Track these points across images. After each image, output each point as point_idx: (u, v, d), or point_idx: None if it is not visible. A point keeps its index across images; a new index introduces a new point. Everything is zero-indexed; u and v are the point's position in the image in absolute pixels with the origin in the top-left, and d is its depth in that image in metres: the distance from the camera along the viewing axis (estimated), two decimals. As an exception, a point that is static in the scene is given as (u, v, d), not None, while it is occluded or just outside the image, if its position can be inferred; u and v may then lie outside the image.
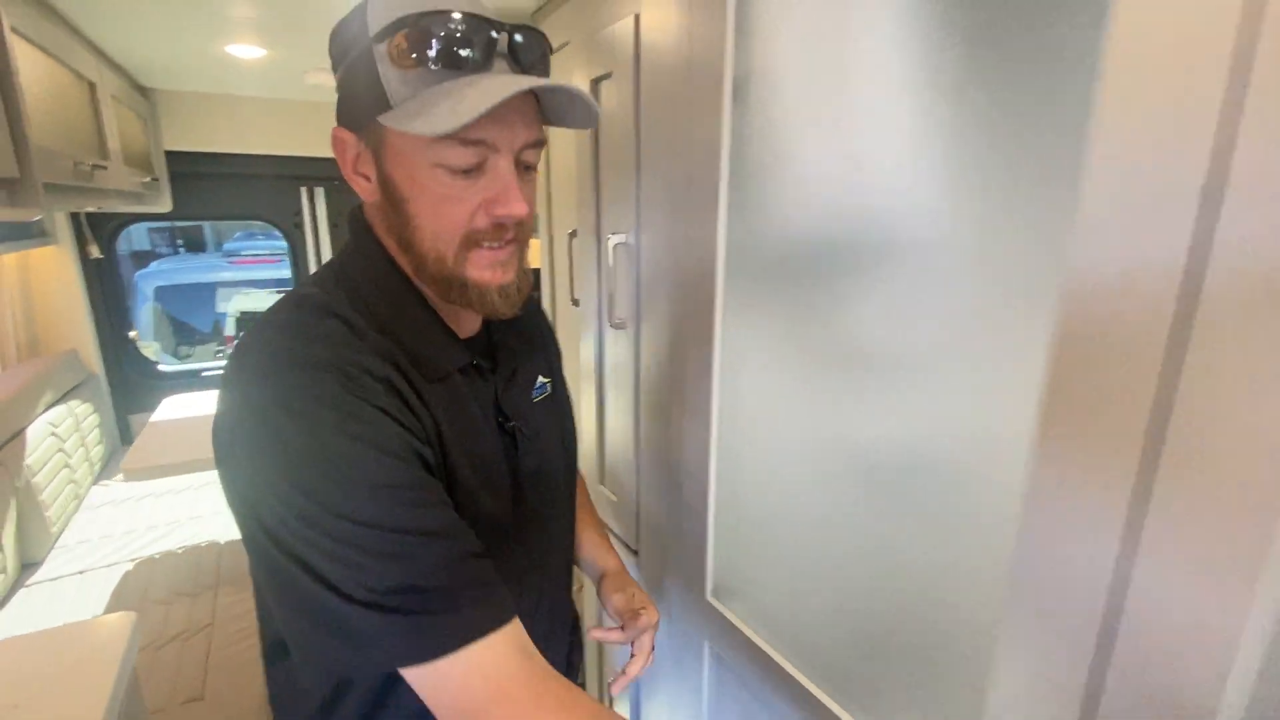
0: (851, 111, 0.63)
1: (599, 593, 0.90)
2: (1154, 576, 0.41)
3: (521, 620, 0.56)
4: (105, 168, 1.60)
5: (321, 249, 3.11)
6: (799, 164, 0.71)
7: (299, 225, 3.06)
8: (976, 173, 0.53)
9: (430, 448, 0.58)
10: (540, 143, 0.60)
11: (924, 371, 0.60)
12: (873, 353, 0.65)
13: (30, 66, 1.24)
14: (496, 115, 0.52)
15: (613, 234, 1.10)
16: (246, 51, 1.94)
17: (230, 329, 7.22)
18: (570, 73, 1.20)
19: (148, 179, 2.24)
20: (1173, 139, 0.37)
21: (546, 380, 0.80)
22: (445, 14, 0.54)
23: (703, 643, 0.99)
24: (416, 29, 0.53)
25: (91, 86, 1.69)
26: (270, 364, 0.54)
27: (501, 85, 0.52)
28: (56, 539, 2.00)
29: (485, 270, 0.60)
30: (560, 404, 0.84)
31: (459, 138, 0.54)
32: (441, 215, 0.58)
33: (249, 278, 7.59)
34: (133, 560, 1.90)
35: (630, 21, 0.96)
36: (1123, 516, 0.42)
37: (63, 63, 1.46)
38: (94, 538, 2.03)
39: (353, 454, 0.51)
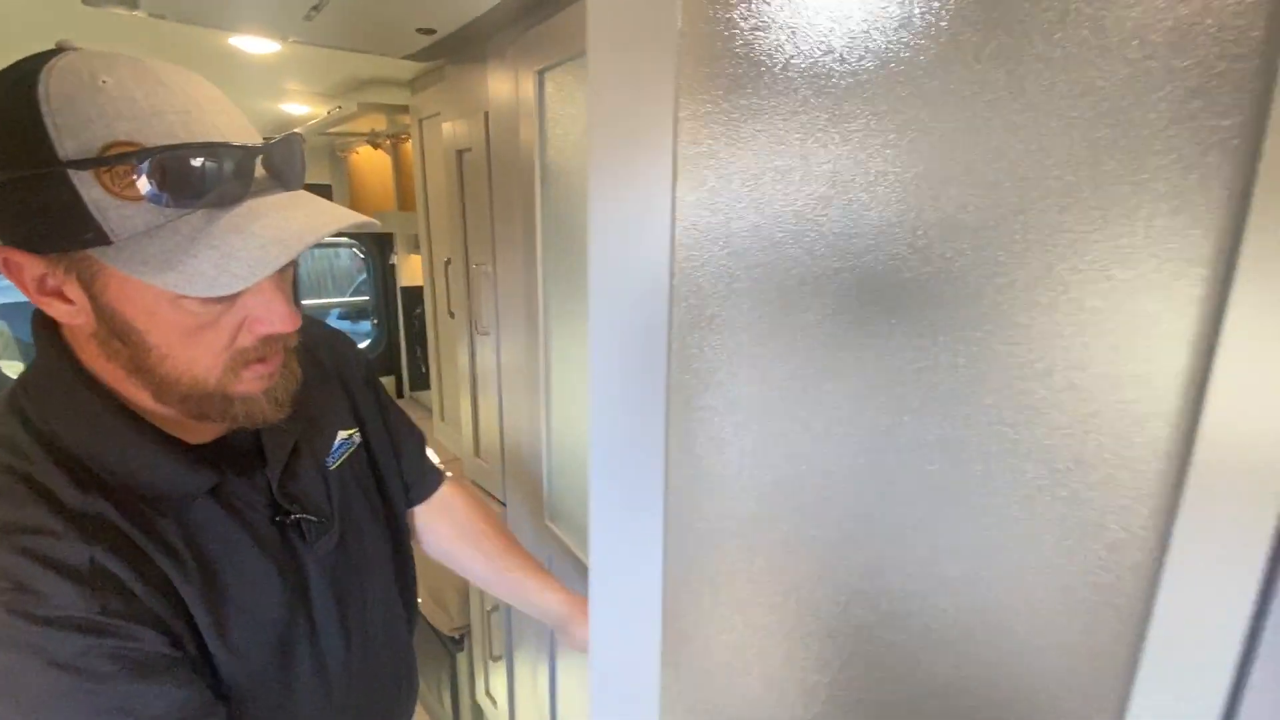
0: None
1: (569, 635, 0.87)
2: None
3: None
4: None
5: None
6: (581, 221, 1.14)
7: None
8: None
9: (166, 623, 0.51)
10: None
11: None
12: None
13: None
14: None
15: (476, 264, 1.49)
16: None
17: None
18: (440, 139, 1.58)
19: None
20: None
21: (350, 432, 0.72)
22: (189, 148, 0.45)
23: (550, 557, 1.40)
24: (155, 163, 0.44)
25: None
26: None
27: (276, 232, 0.47)
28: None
29: (255, 383, 0.55)
30: (378, 450, 0.77)
31: None
32: (198, 343, 0.51)
33: None
34: None
35: (482, 116, 1.36)
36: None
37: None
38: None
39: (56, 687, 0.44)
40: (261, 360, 0.54)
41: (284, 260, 0.47)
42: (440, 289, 1.87)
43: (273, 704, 0.60)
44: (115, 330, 0.50)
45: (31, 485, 0.48)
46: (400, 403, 3.07)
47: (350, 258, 4.54)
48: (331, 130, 2.36)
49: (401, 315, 2.66)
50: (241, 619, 0.56)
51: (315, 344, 0.72)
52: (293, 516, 0.62)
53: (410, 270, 2.53)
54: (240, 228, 0.47)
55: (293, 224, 0.49)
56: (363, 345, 3.25)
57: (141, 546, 0.50)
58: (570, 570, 1.28)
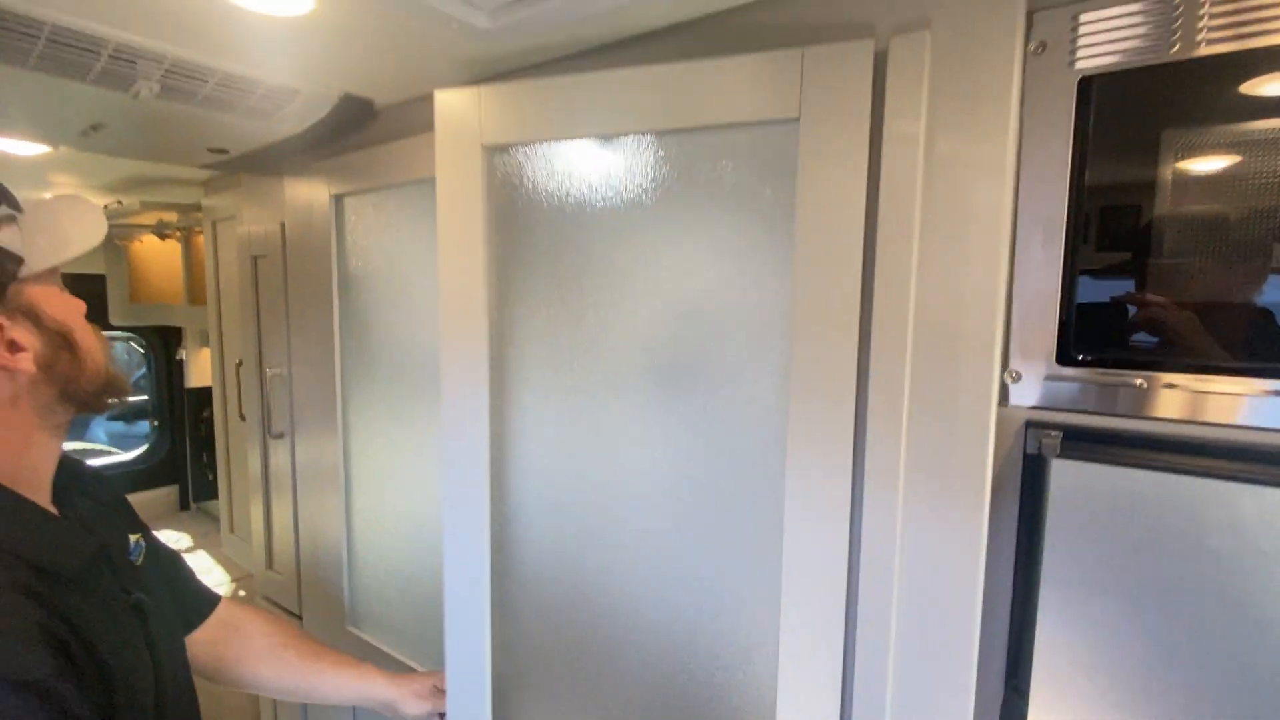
0: (404, 295, 1.17)
1: (401, 714, 0.93)
2: (499, 526, 0.97)
3: None
4: None
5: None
6: (380, 329, 1.22)
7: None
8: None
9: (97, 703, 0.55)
10: None
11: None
12: (424, 435, 1.16)
13: None
14: None
15: (269, 367, 1.48)
16: None
17: None
18: (231, 247, 1.58)
19: None
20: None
21: (137, 536, 0.76)
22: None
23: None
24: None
25: None
26: None
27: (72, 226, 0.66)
28: None
29: (113, 361, 0.70)
30: (162, 556, 0.83)
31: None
32: (87, 329, 0.66)
33: None
34: None
35: (277, 227, 1.40)
36: (488, 503, 0.97)
37: None
38: None
39: None
40: (103, 340, 0.69)
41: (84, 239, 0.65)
42: (231, 391, 1.79)
43: None
44: (62, 343, 0.63)
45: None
46: (184, 515, 2.75)
47: (126, 351, 4.03)
48: (111, 222, 2.20)
49: (188, 418, 2.43)
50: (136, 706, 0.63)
51: (83, 473, 0.76)
52: (134, 596, 0.68)
53: (199, 369, 2.36)
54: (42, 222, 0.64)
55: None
56: (139, 450, 2.87)
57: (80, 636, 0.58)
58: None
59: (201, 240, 2.14)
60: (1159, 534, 0.65)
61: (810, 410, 0.69)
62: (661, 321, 0.81)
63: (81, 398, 0.65)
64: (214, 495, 2.19)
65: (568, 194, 0.85)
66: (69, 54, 0.83)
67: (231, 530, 1.93)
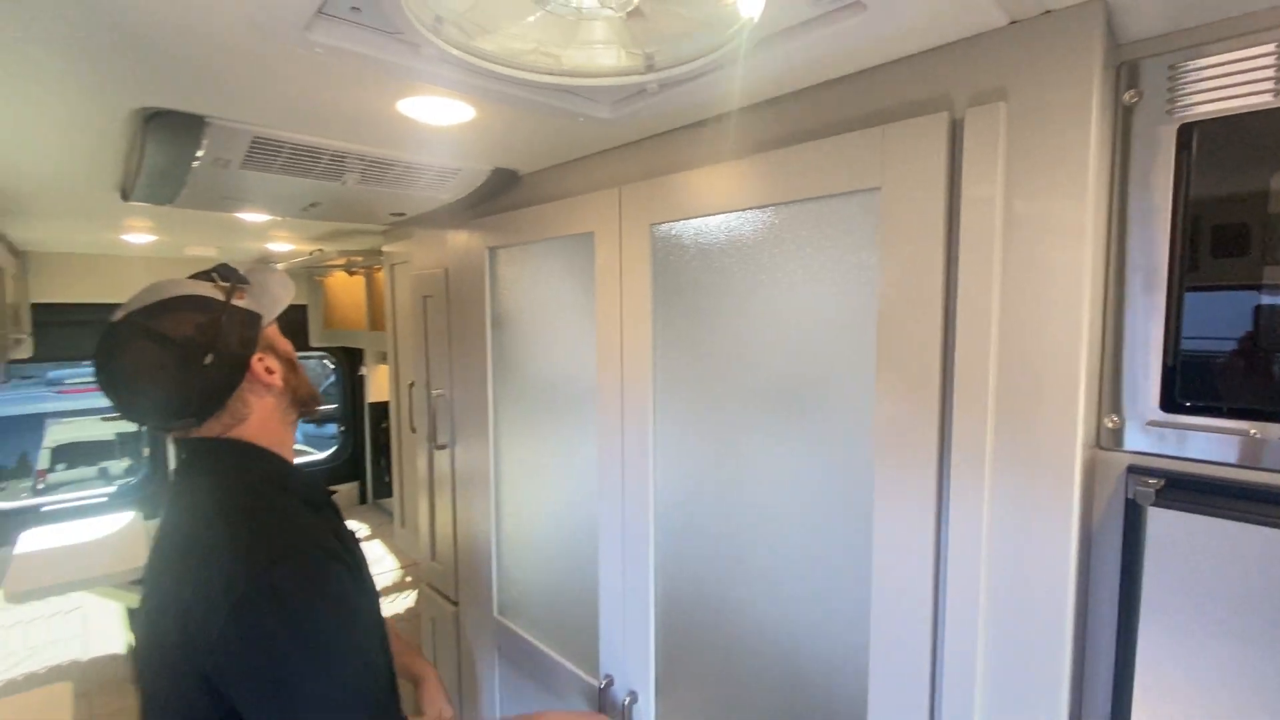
0: (548, 331, 1.36)
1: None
2: (620, 538, 1.11)
3: None
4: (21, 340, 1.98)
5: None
6: (526, 359, 1.42)
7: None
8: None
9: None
10: None
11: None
12: (581, 456, 1.34)
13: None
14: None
15: (435, 390, 1.75)
16: (139, 238, 2.41)
17: (44, 463, 6.62)
18: (406, 286, 1.88)
19: (21, 336, 2.53)
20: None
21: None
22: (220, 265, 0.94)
23: (499, 645, 1.57)
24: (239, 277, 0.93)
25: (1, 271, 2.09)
26: (265, 551, 0.75)
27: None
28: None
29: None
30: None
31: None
32: (294, 361, 0.98)
33: (77, 406, 7.14)
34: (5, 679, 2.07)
35: (442, 271, 1.66)
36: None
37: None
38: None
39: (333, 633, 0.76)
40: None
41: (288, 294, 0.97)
42: (404, 407, 2.11)
43: None
44: (290, 366, 0.95)
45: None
46: (363, 508, 3.22)
47: (320, 366, 4.76)
48: (312, 264, 2.66)
49: (369, 426, 2.87)
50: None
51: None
52: (345, 549, 0.89)
53: (377, 385, 2.77)
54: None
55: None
56: (328, 452, 3.41)
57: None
58: (521, 654, 1.47)
59: (381, 276, 2.53)
60: (1267, 590, 0.64)
61: (893, 460, 0.76)
62: (772, 359, 0.92)
63: (301, 403, 0.98)
64: (388, 493, 2.57)
65: (708, 253, 0.99)
66: (301, 161, 1.10)
67: (402, 524, 2.27)
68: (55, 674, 2.15)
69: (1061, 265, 0.68)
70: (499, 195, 1.41)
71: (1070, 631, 0.70)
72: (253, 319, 0.90)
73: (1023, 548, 0.71)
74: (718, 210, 0.95)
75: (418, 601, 2.20)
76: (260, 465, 0.89)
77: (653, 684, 1.11)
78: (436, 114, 0.92)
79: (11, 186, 1.41)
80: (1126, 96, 0.73)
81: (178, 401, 0.83)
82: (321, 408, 1.00)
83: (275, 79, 0.80)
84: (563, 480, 1.35)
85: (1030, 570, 0.71)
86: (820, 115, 0.85)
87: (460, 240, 1.56)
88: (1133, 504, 0.73)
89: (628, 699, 1.13)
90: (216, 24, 0.65)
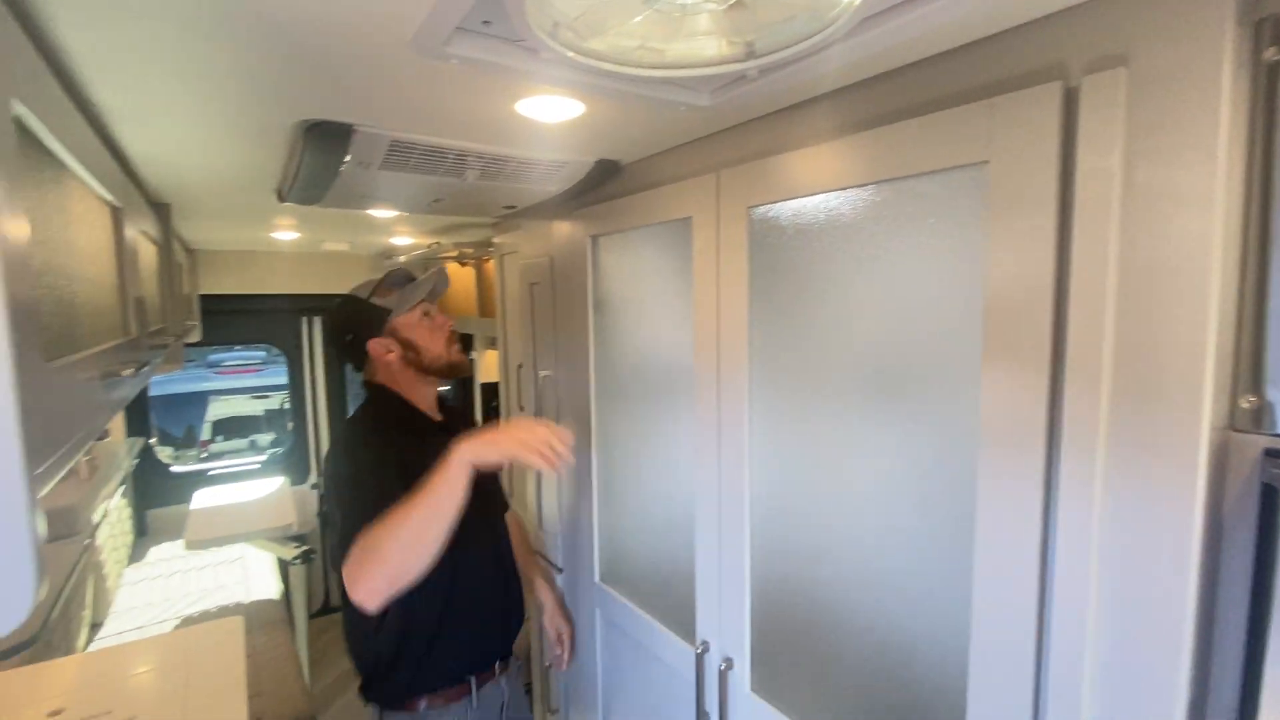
0: (646, 314, 1.43)
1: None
2: (718, 511, 1.16)
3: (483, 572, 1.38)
4: (194, 325, 2.31)
5: (315, 364, 3.78)
6: (626, 341, 1.49)
7: (299, 346, 3.75)
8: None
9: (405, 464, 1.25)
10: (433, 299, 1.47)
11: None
12: (677, 435, 1.41)
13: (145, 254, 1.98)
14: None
15: (542, 370, 1.86)
16: (285, 235, 2.72)
17: (206, 434, 7.67)
18: (514, 274, 2.00)
19: (193, 323, 2.92)
20: (702, 362, 1.16)
21: None
22: (397, 270, 1.45)
23: (596, 609, 1.67)
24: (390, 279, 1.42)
25: (180, 266, 2.42)
26: (354, 437, 1.35)
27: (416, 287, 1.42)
28: (109, 607, 2.52)
29: (457, 353, 1.47)
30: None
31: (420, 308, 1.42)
32: (434, 338, 1.41)
33: (232, 386, 8.19)
34: (179, 618, 2.44)
35: (547, 259, 1.77)
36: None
37: (160, 246, 2.21)
38: (140, 604, 2.55)
39: (374, 465, 1.24)
40: (452, 342, 1.45)
41: (422, 293, 1.42)
42: (513, 387, 2.26)
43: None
44: (407, 348, 1.39)
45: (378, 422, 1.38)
46: (474, 482, 3.46)
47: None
48: (431, 256, 2.89)
49: (481, 404, 3.07)
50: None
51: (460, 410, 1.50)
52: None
53: (486, 367, 2.96)
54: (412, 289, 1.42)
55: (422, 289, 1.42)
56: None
57: (404, 443, 1.31)
58: (620, 616, 1.56)
59: (490, 265, 2.69)
60: None
61: (998, 445, 0.76)
62: (871, 340, 0.93)
63: (431, 371, 1.41)
64: (498, 468, 2.75)
65: (805, 234, 1.01)
66: (430, 160, 1.22)
67: (511, 494, 2.43)
68: (224, 613, 2.49)
69: (1187, 235, 0.65)
70: (601, 185, 1.48)
71: (1191, 631, 0.67)
72: (380, 314, 1.36)
73: (1139, 538, 0.69)
74: (817, 190, 0.96)
75: (524, 569, 2.34)
76: (383, 399, 1.40)
77: (748, 653, 1.16)
78: (550, 112, 1.00)
79: (193, 191, 1.65)
80: (1268, 54, 0.68)
81: (340, 359, 1.25)
82: (461, 375, 1.57)
83: (412, 89, 0.90)
84: (660, 459, 1.41)
85: (1147, 563, 0.69)
86: (923, 91, 0.84)
87: (564, 229, 1.65)
88: (1269, 489, 0.69)
89: (724, 665, 1.18)
90: (374, 45, 0.75)
